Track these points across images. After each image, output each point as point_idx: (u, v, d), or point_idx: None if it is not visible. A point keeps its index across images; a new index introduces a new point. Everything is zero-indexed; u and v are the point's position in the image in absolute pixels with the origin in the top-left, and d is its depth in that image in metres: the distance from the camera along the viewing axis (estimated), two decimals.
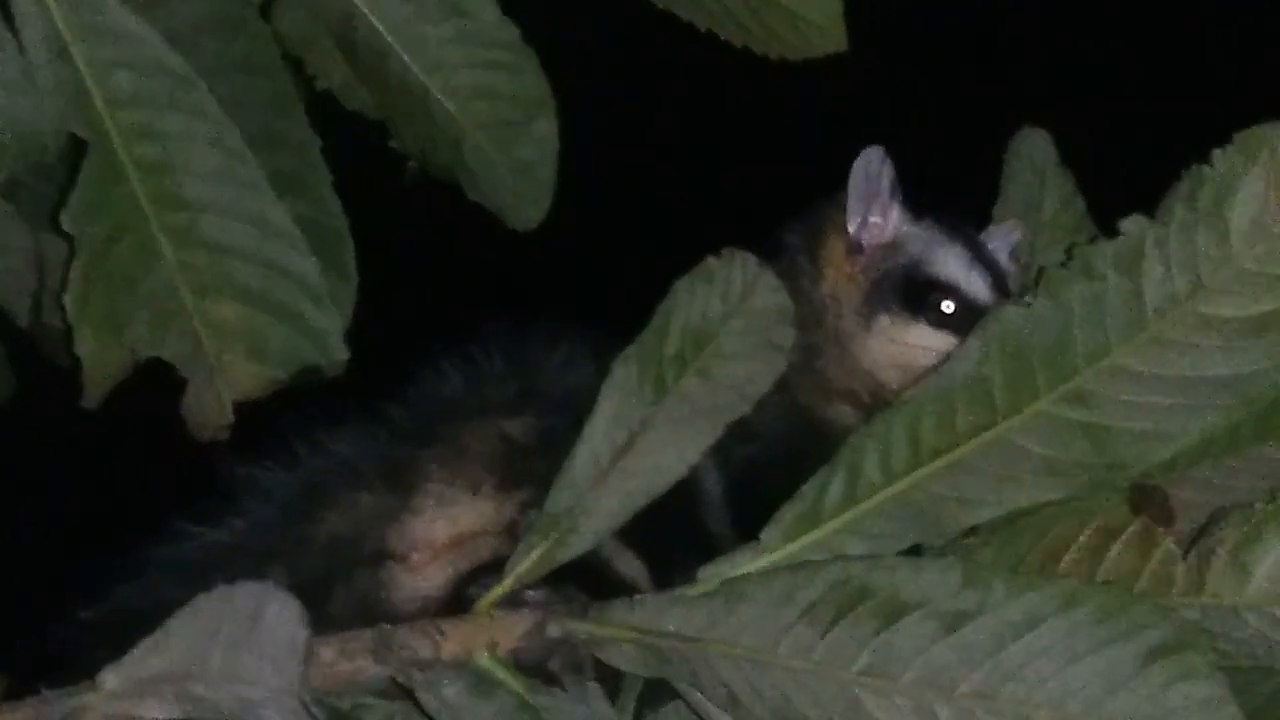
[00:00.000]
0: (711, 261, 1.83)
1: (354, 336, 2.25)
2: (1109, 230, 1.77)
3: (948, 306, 2.22)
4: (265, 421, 2.16)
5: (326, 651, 1.74)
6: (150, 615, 1.73)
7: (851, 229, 2.27)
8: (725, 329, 1.82)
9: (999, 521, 1.84)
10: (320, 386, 2.22)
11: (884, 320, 2.25)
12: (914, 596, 1.70)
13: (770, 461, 2.11)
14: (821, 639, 1.71)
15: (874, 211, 2.27)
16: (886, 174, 2.25)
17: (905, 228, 2.29)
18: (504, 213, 2.44)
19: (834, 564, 1.76)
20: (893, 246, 2.28)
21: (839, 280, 2.28)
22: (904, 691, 1.68)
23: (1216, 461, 1.85)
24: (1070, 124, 2.35)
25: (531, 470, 2.04)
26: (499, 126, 2.38)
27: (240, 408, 2.20)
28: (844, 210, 2.28)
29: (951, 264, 2.26)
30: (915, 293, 2.24)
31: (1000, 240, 2.33)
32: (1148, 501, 1.80)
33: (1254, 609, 1.73)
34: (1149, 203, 1.73)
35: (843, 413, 2.22)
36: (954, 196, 2.28)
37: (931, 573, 1.71)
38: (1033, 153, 2.38)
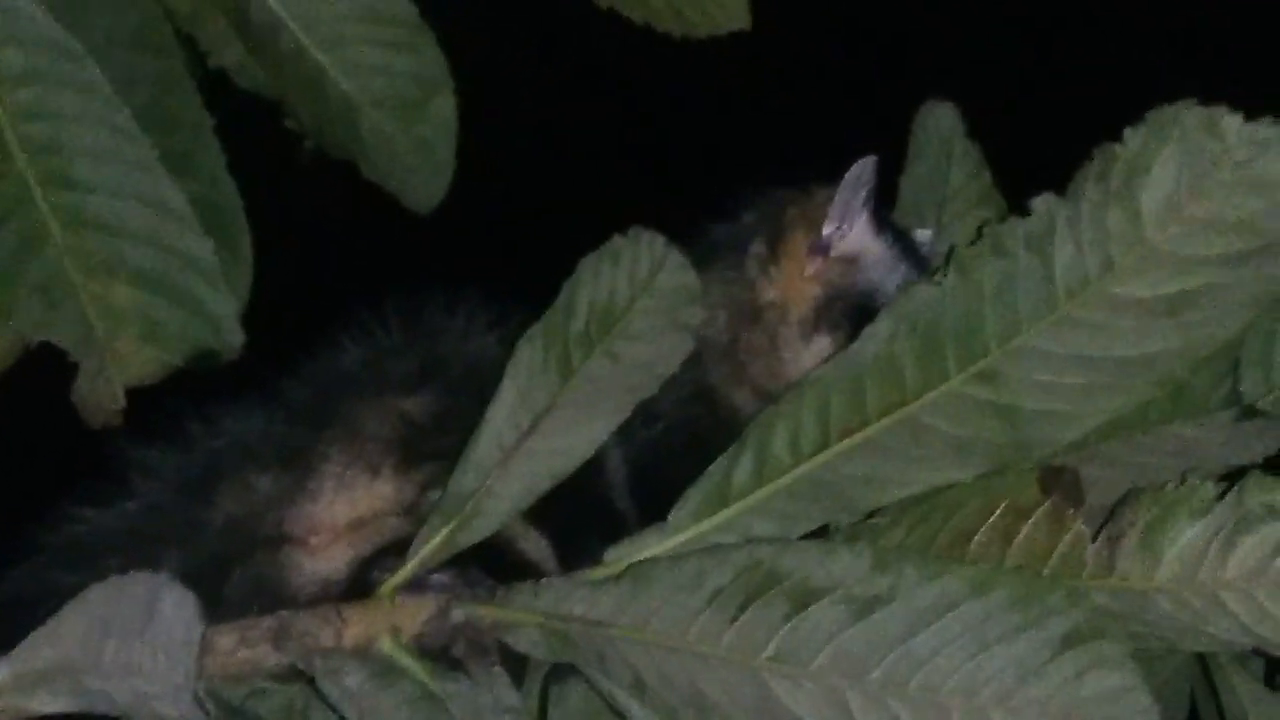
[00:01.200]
0: (618, 240, 1.79)
1: (250, 318, 2.21)
2: (1016, 202, 1.76)
3: None
4: (158, 401, 2.11)
5: (225, 640, 1.71)
6: (39, 601, 1.71)
7: (826, 231, 2.21)
8: (632, 309, 1.79)
9: (908, 501, 1.82)
10: (214, 367, 2.17)
11: (826, 342, 2.18)
12: (824, 581, 1.68)
13: (673, 445, 2.08)
14: (730, 625, 1.69)
15: (847, 218, 2.21)
16: (868, 193, 2.20)
17: (868, 241, 2.23)
18: (402, 193, 2.41)
19: (743, 548, 1.74)
20: (852, 261, 2.22)
21: (792, 276, 2.22)
22: (814, 678, 1.66)
23: (1125, 439, 1.85)
24: (977, 96, 2.34)
25: (432, 450, 2.00)
26: (396, 105, 2.35)
27: (133, 390, 2.15)
28: (816, 206, 2.22)
29: None
30: (867, 324, 2.18)
31: (929, 247, 2.29)
32: (1057, 481, 1.79)
33: (1164, 592, 1.72)
34: (1056, 175, 1.72)
35: (752, 401, 2.17)
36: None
37: (842, 557, 1.68)
38: (939, 124, 2.36)
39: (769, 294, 2.22)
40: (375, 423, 2.05)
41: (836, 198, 2.21)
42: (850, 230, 2.22)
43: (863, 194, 2.21)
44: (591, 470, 1.94)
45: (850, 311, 2.20)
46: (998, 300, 1.73)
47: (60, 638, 1.56)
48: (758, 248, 2.25)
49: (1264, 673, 2.06)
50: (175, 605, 1.47)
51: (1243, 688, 2.01)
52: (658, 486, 1.88)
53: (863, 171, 2.20)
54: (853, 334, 2.10)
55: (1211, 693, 2.06)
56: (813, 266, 2.22)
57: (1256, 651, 1.95)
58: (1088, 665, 1.59)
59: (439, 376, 2.08)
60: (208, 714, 1.47)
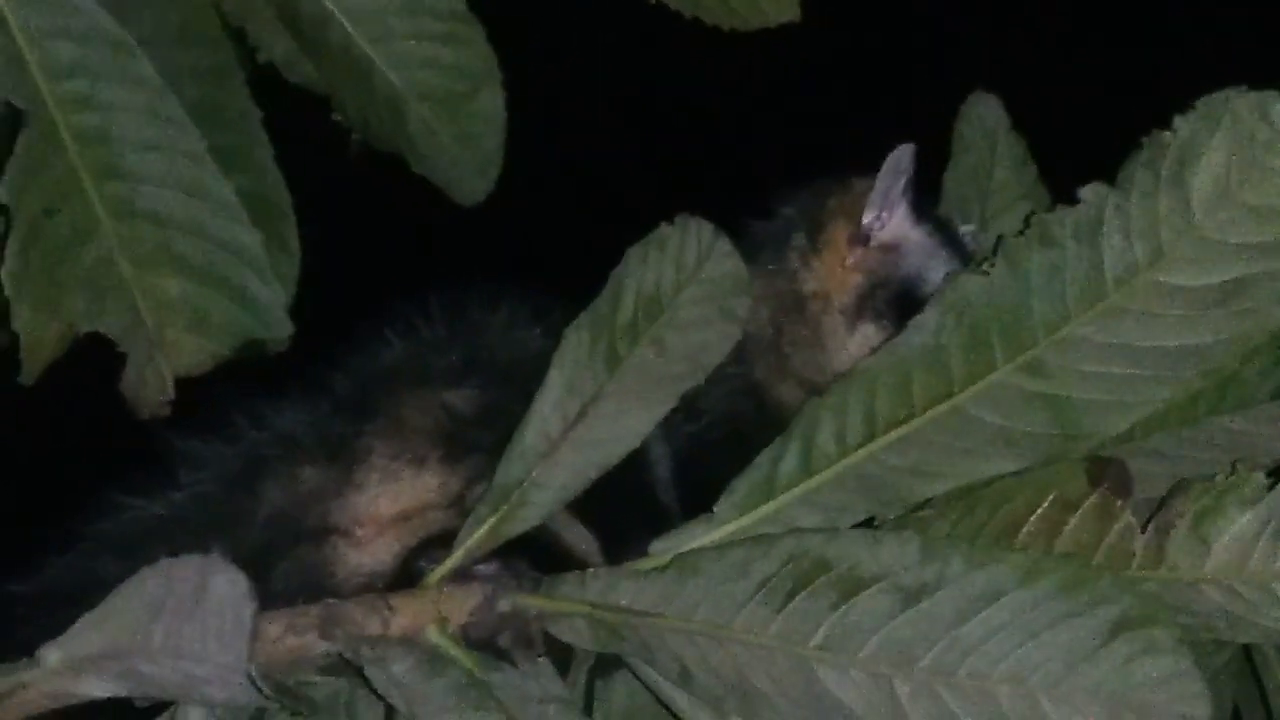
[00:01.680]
0: (665, 228, 1.80)
1: (297, 311, 2.21)
2: (1060, 196, 1.75)
3: None
4: (205, 393, 2.12)
5: (273, 627, 1.70)
6: (85, 590, 1.71)
7: (867, 219, 2.21)
8: (679, 298, 1.79)
9: (954, 494, 1.82)
10: (261, 359, 2.18)
11: (871, 330, 2.19)
12: (872, 570, 1.68)
13: (718, 439, 2.08)
14: (778, 613, 1.69)
15: (887, 207, 2.21)
16: (907, 180, 2.20)
17: (908, 229, 2.24)
18: (449, 186, 2.41)
19: (790, 537, 1.73)
20: (893, 249, 2.23)
21: (833, 267, 2.23)
22: (862, 666, 1.66)
23: (1173, 432, 1.85)
24: (1022, 89, 2.33)
25: (476, 443, 2.01)
26: (444, 98, 2.35)
27: (180, 381, 2.15)
28: (855, 196, 2.23)
29: None
30: (911, 312, 2.17)
31: (971, 240, 2.29)
32: (1105, 473, 1.78)
33: (1213, 582, 1.71)
34: (1101, 169, 1.71)
35: (795, 392, 2.16)
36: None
37: (890, 546, 1.68)
38: (984, 118, 2.36)
39: (811, 285, 2.22)
40: (420, 415, 2.06)
41: (875, 186, 2.21)
42: (890, 219, 2.22)
43: (902, 182, 2.21)
44: (636, 464, 1.94)
45: (893, 300, 2.21)
46: (1045, 290, 1.73)
47: (110, 622, 1.56)
48: (798, 240, 2.25)
49: None
50: (227, 586, 1.47)
51: None
52: (702, 480, 1.88)
53: (901, 159, 2.20)
54: (896, 322, 2.14)
55: (1257, 689, 2.04)
56: (854, 256, 2.22)
57: None
58: (1138, 651, 1.59)
59: (483, 369, 2.08)
60: (262, 695, 1.47)
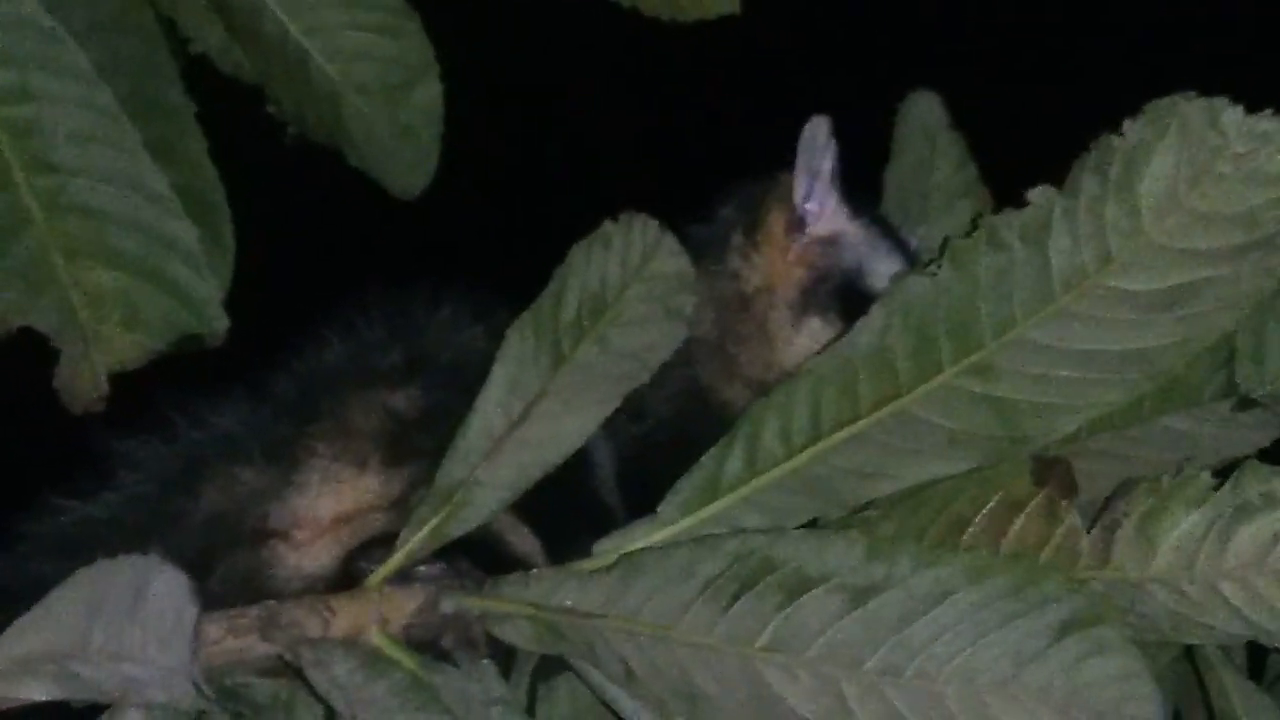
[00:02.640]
0: (610, 225, 1.78)
1: (231, 308, 2.18)
2: (1001, 195, 1.75)
3: None
4: (141, 395, 2.08)
5: (212, 629, 1.67)
6: (21, 591, 1.67)
7: (797, 198, 2.19)
8: (624, 295, 1.78)
9: (900, 495, 1.81)
10: (199, 359, 2.14)
11: (817, 323, 2.17)
12: (818, 570, 1.67)
13: (660, 442, 2.07)
14: (723, 614, 1.68)
15: (816, 192, 2.19)
16: (830, 155, 2.18)
17: (845, 223, 2.22)
18: (386, 179, 2.39)
19: (735, 537, 1.72)
20: (832, 243, 2.21)
21: (775, 261, 2.20)
22: (808, 667, 1.64)
23: (1118, 432, 1.84)
24: (962, 86, 2.33)
25: (419, 445, 1.99)
26: (380, 90, 2.33)
27: (116, 380, 2.11)
28: (786, 185, 2.20)
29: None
30: (854, 304, 2.08)
31: (919, 243, 2.27)
32: (1050, 474, 1.78)
33: (1159, 582, 1.71)
34: (1042, 167, 1.71)
35: (742, 395, 2.14)
36: (848, 162, 2.24)
37: (836, 545, 1.67)
38: (924, 115, 2.36)
39: (754, 281, 2.21)
40: (361, 417, 2.03)
41: (798, 162, 2.19)
42: (821, 199, 2.20)
43: (826, 158, 2.19)
44: (580, 466, 1.93)
45: (836, 292, 2.19)
46: (993, 293, 1.72)
47: (46, 624, 1.53)
48: (737, 238, 2.23)
49: (1247, 671, 2.06)
50: (167, 587, 1.45)
51: (1231, 684, 2.00)
52: (647, 482, 1.86)
53: (816, 132, 2.18)
54: (841, 314, 2.15)
55: (1200, 692, 2.04)
56: (794, 246, 2.20)
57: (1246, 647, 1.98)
58: (1087, 651, 1.58)
59: (425, 370, 2.06)
60: (205, 697, 1.44)
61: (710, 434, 1.83)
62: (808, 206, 2.20)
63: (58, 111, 2.07)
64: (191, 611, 1.45)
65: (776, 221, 2.22)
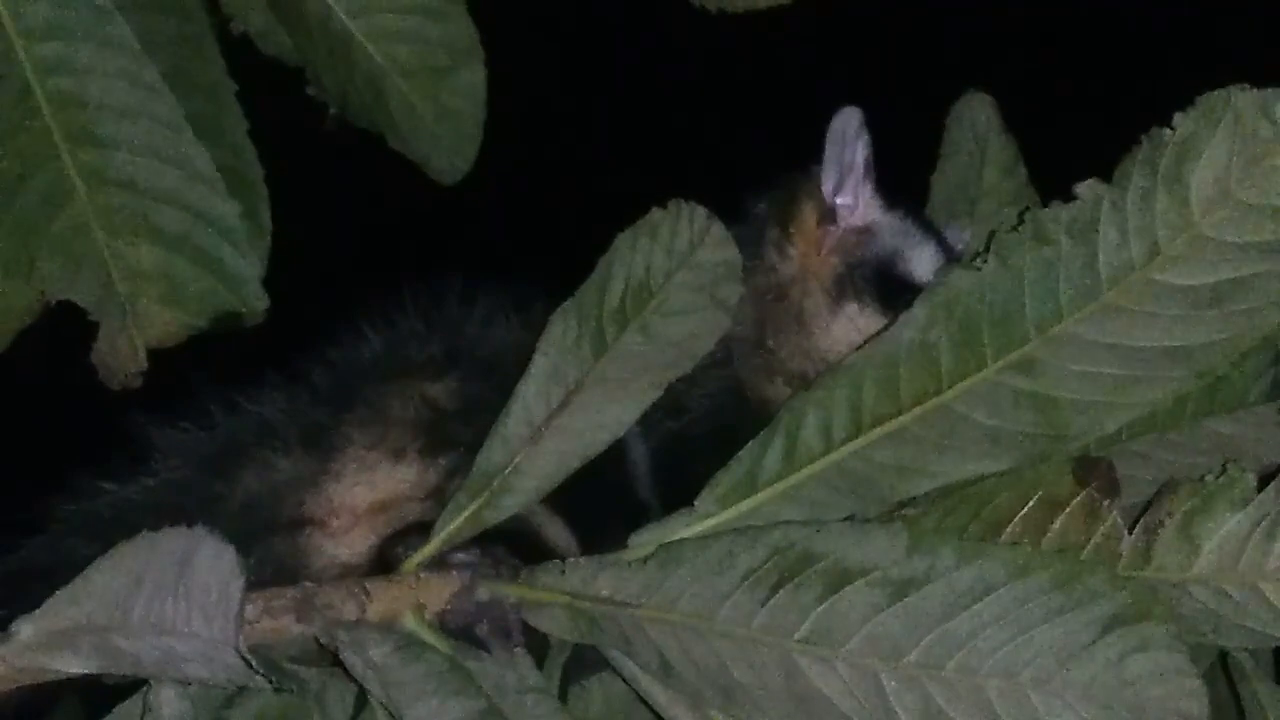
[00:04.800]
0: (657, 213, 1.77)
1: (267, 291, 2.17)
2: (1050, 200, 1.73)
3: None
4: (180, 380, 2.07)
5: (249, 609, 1.66)
6: (55, 572, 1.66)
7: (826, 190, 2.19)
8: (669, 284, 1.77)
9: (939, 492, 1.79)
10: (234, 345, 2.14)
11: (853, 307, 2.16)
12: (859, 563, 1.65)
13: (698, 437, 2.05)
14: (762, 606, 1.66)
15: (848, 183, 2.19)
16: (862, 147, 2.18)
17: (878, 215, 2.22)
18: (427, 163, 2.37)
19: (776, 529, 1.70)
20: (867, 232, 2.21)
21: (809, 253, 2.20)
22: (847, 660, 1.63)
23: (1160, 435, 1.83)
24: (1017, 88, 2.31)
25: (456, 436, 1.98)
26: (424, 73, 2.32)
27: (154, 367, 2.11)
28: (818, 177, 2.20)
29: (926, 265, 2.19)
30: (889, 288, 2.16)
31: (955, 238, 2.27)
32: (1092, 473, 1.76)
33: (1201, 583, 1.69)
34: (1092, 171, 1.70)
35: (783, 393, 2.13)
36: (895, 162, 2.23)
37: (878, 538, 1.66)
38: (975, 118, 2.34)
39: (789, 272, 2.20)
40: (399, 406, 2.03)
41: (826, 154, 2.19)
42: (854, 191, 2.20)
43: (858, 149, 2.19)
44: (617, 459, 1.93)
45: (872, 276, 2.18)
46: (1038, 287, 1.71)
47: (86, 596, 1.52)
48: (772, 232, 2.23)
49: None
50: (212, 559, 1.43)
51: (1266, 696, 1.98)
52: (683, 477, 1.85)
53: (847, 123, 2.17)
54: (877, 297, 2.15)
55: (1233, 700, 2.03)
56: (827, 237, 2.20)
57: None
58: (1133, 647, 1.56)
59: (462, 361, 2.06)
60: (251, 668, 1.43)
61: (748, 429, 1.82)
62: (840, 200, 2.20)
63: (103, 85, 2.07)
64: (238, 583, 1.43)
65: (809, 214, 2.22)
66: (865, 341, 1.81)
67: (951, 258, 2.21)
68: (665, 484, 2.00)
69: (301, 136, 2.43)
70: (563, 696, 1.82)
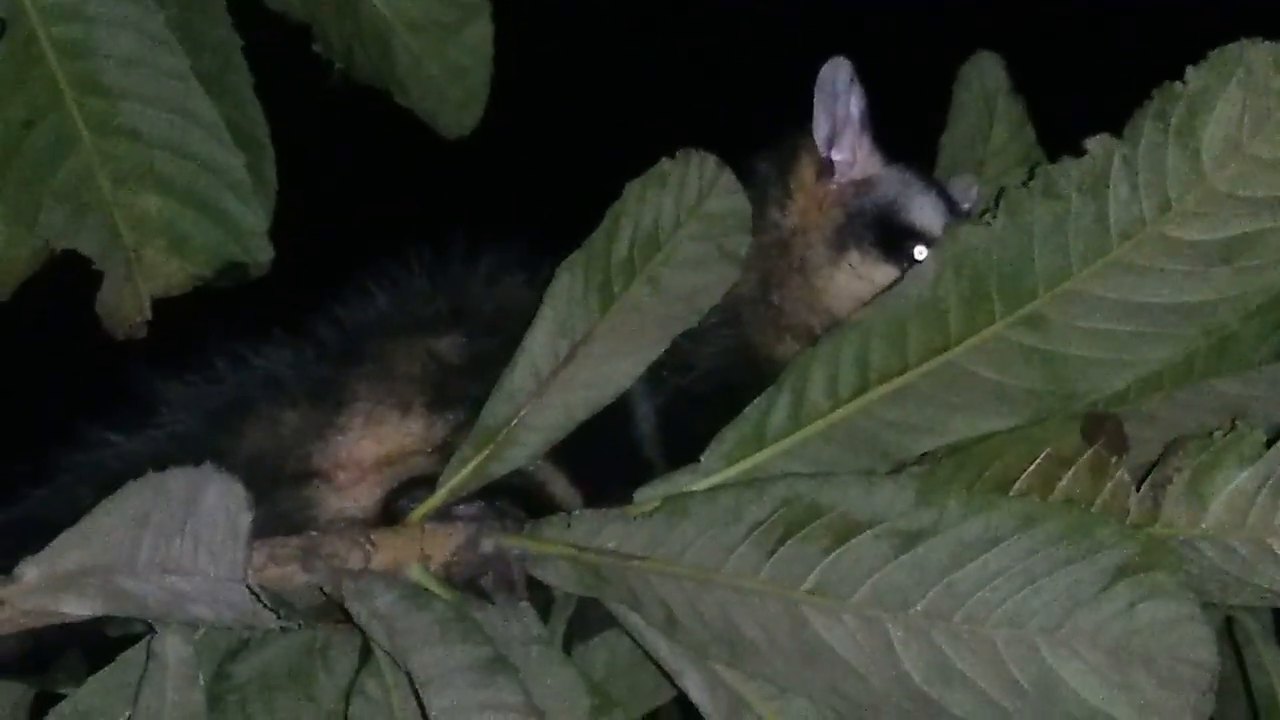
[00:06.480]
0: (666, 163, 1.76)
1: (277, 251, 2.16)
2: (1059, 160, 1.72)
3: (920, 253, 2.13)
4: (187, 333, 2.06)
5: (255, 556, 1.63)
6: (61, 522, 1.65)
7: (819, 142, 2.18)
8: (678, 234, 1.76)
9: (945, 450, 1.79)
10: (242, 305, 2.13)
11: (855, 256, 2.16)
12: (866, 515, 1.64)
13: (703, 395, 2.04)
14: (769, 558, 1.66)
15: (845, 137, 2.18)
16: (856, 100, 2.17)
17: (877, 168, 2.21)
18: (434, 119, 2.36)
19: (783, 481, 1.70)
20: (866, 184, 2.20)
21: (809, 206, 2.20)
22: (854, 612, 1.62)
23: (1167, 394, 1.82)
24: (1026, 49, 2.30)
25: (462, 391, 1.97)
26: (431, 28, 2.30)
27: (159, 319, 2.11)
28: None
29: (928, 212, 2.18)
30: (890, 235, 2.16)
31: (960, 193, 2.27)
32: (1100, 430, 1.75)
33: (1209, 539, 1.68)
34: (1100, 132, 1.69)
35: (792, 351, 2.10)
36: (905, 122, 2.22)
37: (885, 490, 1.65)
38: (984, 79, 2.33)
39: (792, 224, 2.20)
40: (405, 361, 2.03)
41: (816, 105, 2.18)
42: (852, 158, 2.19)
43: (851, 101, 2.18)
44: (622, 416, 1.92)
45: (873, 223, 2.18)
46: (1048, 243, 1.70)
47: (92, 537, 1.51)
48: (774, 190, 2.22)
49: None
50: (220, 495, 1.43)
51: (1271, 659, 1.98)
52: (689, 434, 1.84)
53: (836, 75, 2.17)
54: (878, 244, 2.15)
55: (1238, 664, 2.02)
56: (824, 190, 2.19)
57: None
58: (1141, 596, 1.55)
59: (469, 317, 2.05)
60: (260, 603, 1.42)
61: (754, 387, 1.81)
62: (836, 155, 2.20)
63: (109, 34, 2.06)
64: (246, 518, 1.42)
65: (808, 169, 2.21)
66: (873, 298, 1.81)
67: (954, 207, 2.21)
68: (670, 441, 1.98)
69: (307, 93, 2.42)
70: (567, 654, 1.82)
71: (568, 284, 1.77)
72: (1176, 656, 1.53)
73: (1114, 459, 1.74)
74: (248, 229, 2.10)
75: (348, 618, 1.70)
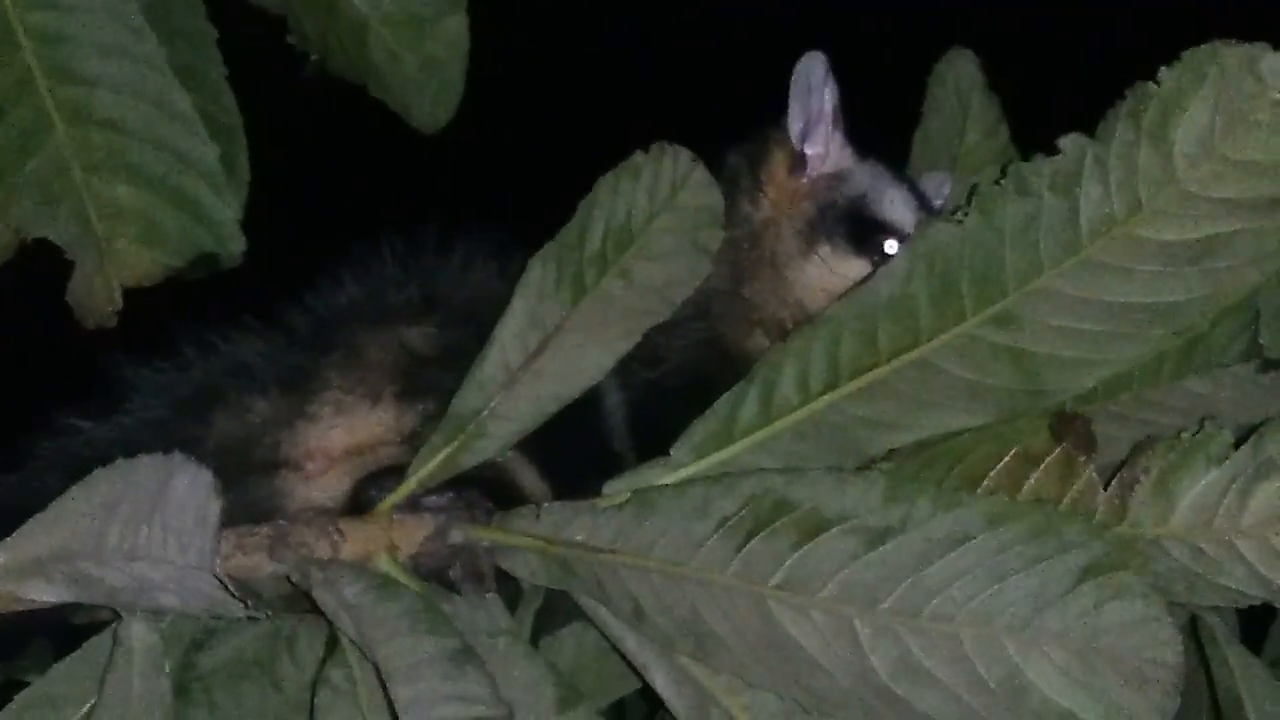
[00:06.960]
0: (640, 156, 1.77)
1: (249, 240, 2.16)
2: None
3: (890, 247, 2.13)
4: (157, 321, 2.06)
5: (223, 545, 1.62)
6: (30, 509, 1.65)
7: (793, 136, 2.18)
8: (651, 227, 1.76)
9: (914, 447, 1.79)
10: (214, 293, 2.12)
11: (825, 249, 2.16)
12: (835, 511, 1.65)
13: (674, 388, 2.04)
14: (737, 553, 1.66)
15: (818, 132, 2.18)
16: (829, 95, 2.17)
17: (849, 163, 2.21)
18: (409, 112, 2.36)
19: (753, 476, 1.70)
20: (837, 178, 2.20)
21: (781, 200, 2.20)
22: (822, 607, 1.62)
23: (1136, 394, 1.83)
24: (1001, 46, 2.30)
25: (433, 381, 1.96)
26: (407, 21, 2.30)
27: (130, 308, 2.10)
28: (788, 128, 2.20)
29: (899, 207, 2.18)
30: (860, 228, 2.16)
31: (933, 189, 2.28)
32: (1069, 429, 1.76)
33: (1176, 539, 1.69)
34: (1075, 130, 1.69)
35: (762, 345, 2.12)
36: (879, 117, 2.22)
37: (854, 487, 1.65)
38: (958, 76, 2.33)
39: (763, 219, 2.20)
40: (377, 350, 2.02)
41: (791, 99, 2.19)
42: (824, 152, 2.19)
43: (827, 108, 2.18)
44: (592, 409, 1.92)
45: (844, 216, 2.18)
46: (1019, 241, 1.70)
47: (60, 523, 1.51)
48: (745, 183, 2.22)
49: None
50: (189, 484, 1.42)
51: (1234, 659, 1.98)
52: (659, 427, 1.84)
53: (811, 69, 2.17)
54: (849, 237, 2.15)
55: (1202, 664, 2.02)
56: (796, 183, 2.20)
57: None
58: (1108, 595, 1.56)
59: (441, 307, 2.04)
60: (227, 592, 1.41)
61: (725, 381, 1.81)
62: (809, 149, 2.20)
63: (85, 22, 2.05)
64: (215, 507, 1.42)
65: (780, 163, 2.22)
66: (845, 293, 1.81)
67: (925, 203, 2.22)
68: (640, 435, 1.98)
69: (282, 85, 2.42)
70: (534, 646, 1.82)
71: (540, 275, 1.77)
72: (1142, 656, 1.54)
73: (1082, 458, 1.75)
74: (220, 220, 2.09)
75: (315, 607, 1.69)
